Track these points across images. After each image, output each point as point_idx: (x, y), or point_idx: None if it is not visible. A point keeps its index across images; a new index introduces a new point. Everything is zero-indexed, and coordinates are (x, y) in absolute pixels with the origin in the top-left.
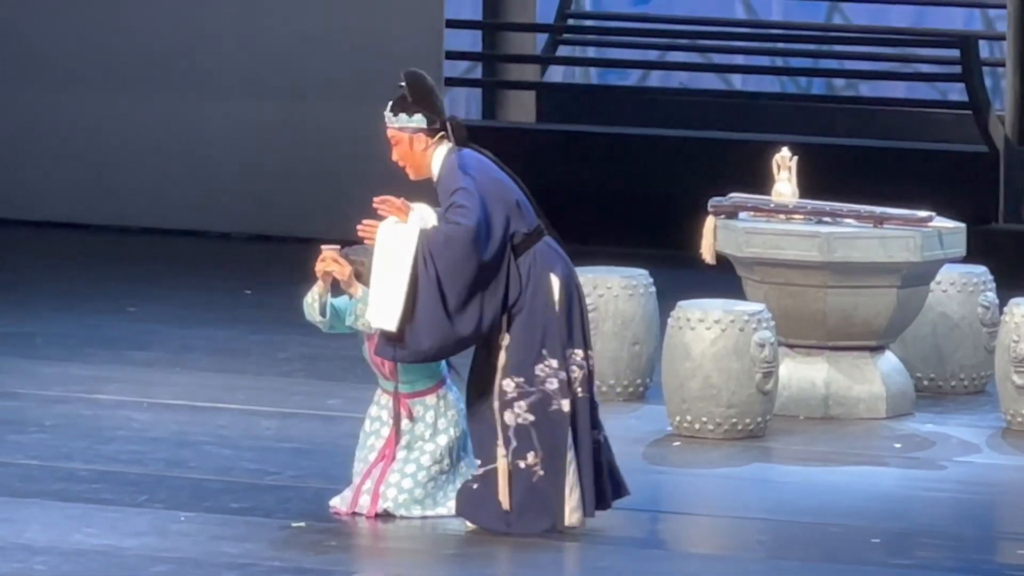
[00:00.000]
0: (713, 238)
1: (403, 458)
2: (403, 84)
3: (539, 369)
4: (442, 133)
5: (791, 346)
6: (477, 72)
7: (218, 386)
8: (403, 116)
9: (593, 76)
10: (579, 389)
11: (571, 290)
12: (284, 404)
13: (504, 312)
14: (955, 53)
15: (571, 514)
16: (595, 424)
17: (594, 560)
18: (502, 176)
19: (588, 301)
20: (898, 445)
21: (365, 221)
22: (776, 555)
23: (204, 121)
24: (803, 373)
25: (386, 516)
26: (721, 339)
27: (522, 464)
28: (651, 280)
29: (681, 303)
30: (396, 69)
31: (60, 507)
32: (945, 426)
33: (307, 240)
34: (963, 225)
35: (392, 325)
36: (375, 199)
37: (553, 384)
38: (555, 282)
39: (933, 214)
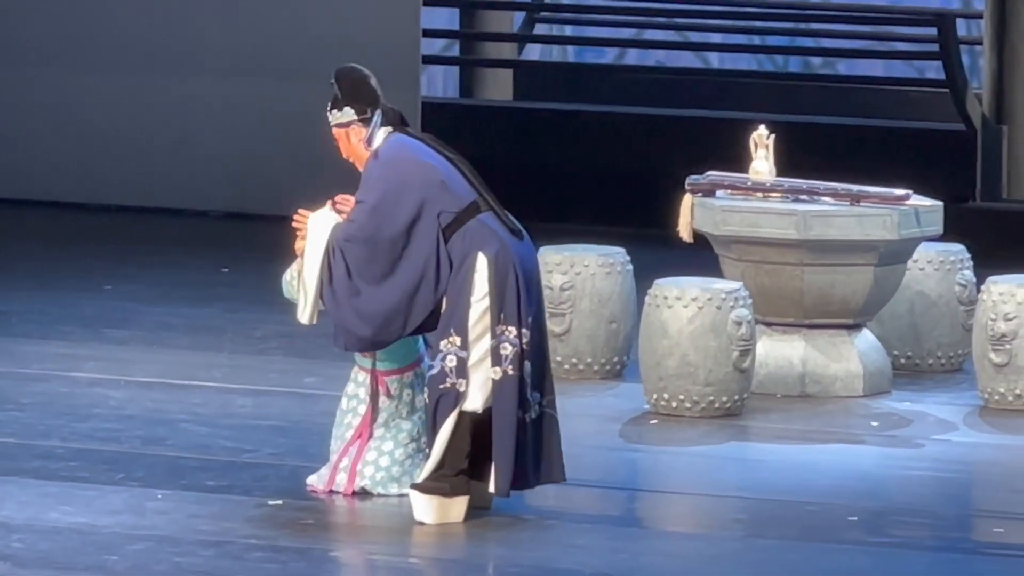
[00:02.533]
0: (690, 216)
1: (380, 436)
2: (333, 81)
3: (443, 344)
4: (376, 122)
5: (768, 324)
6: (454, 50)
7: (195, 364)
8: (336, 112)
9: (570, 54)
10: (509, 367)
11: (506, 267)
12: (261, 382)
13: (437, 293)
14: (932, 31)
15: (432, 494)
16: (522, 404)
17: (570, 538)
18: (430, 158)
19: (565, 279)
20: (875, 423)
21: (300, 211)
22: (753, 533)
23: (182, 100)
24: (780, 351)
25: (363, 494)
26: (698, 317)
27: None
28: (628, 258)
29: (658, 281)
30: (375, 47)
31: (36, 485)
32: (922, 404)
33: (284, 218)
34: (940, 203)
35: (305, 318)
36: (337, 198)
37: (451, 361)
38: (481, 261)
39: (910, 192)
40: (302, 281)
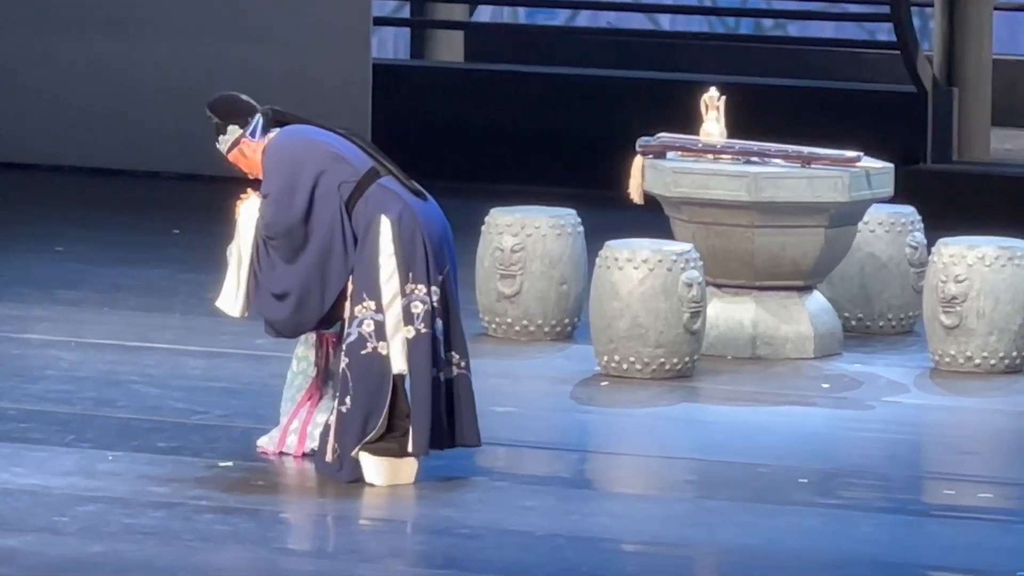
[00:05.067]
0: (641, 178)
1: (330, 397)
2: (209, 115)
3: (357, 310)
4: (257, 124)
5: (719, 286)
6: (405, 11)
7: (146, 325)
8: (223, 138)
9: (521, 15)
10: (421, 325)
11: (411, 227)
12: (212, 344)
13: (347, 263)
14: None
15: (381, 460)
16: (436, 362)
17: (520, 499)
18: (320, 135)
19: (515, 240)
20: (826, 385)
21: (243, 196)
22: (703, 495)
23: (133, 60)
24: (731, 313)
25: (313, 456)
26: (649, 279)
27: (343, 409)
28: (579, 220)
29: (609, 243)
30: (326, 10)
31: None
32: (873, 366)
33: (235, 180)
34: (891, 165)
35: (237, 312)
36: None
37: (368, 326)
38: (384, 223)
39: (861, 154)
40: (235, 272)
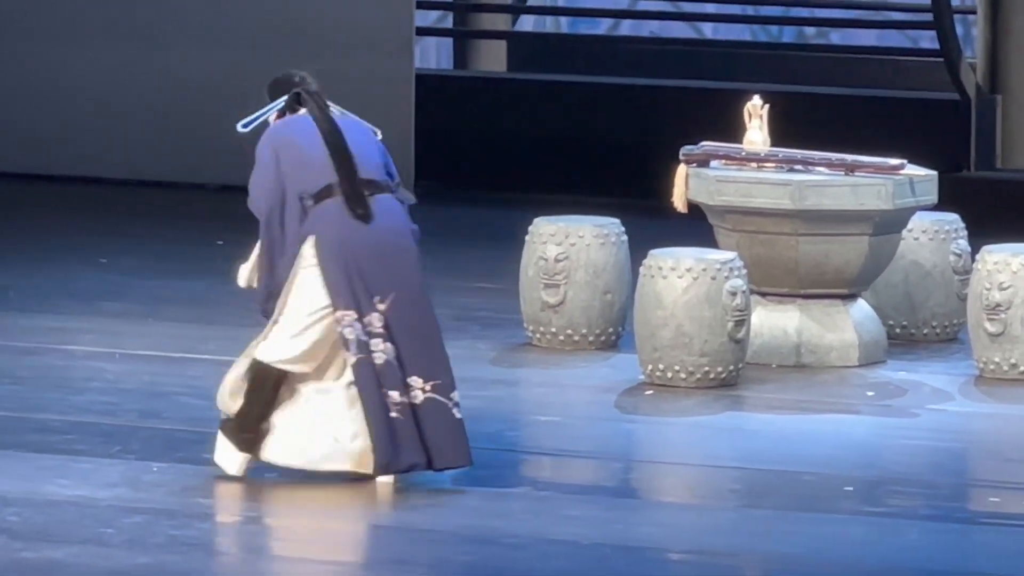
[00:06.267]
0: (685, 187)
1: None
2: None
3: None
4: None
5: (763, 294)
6: (448, 22)
7: (190, 337)
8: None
9: (564, 25)
10: (359, 352)
11: (334, 254)
12: None
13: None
14: (926, 1)
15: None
16: (387, 385)
17: (565, 509)
18: (299, 139)
19: (559, 249)
20: (871, 393)
21: None
22: (749, 504)
23: (175, 71)
24: (775, 321)
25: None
26: (693, 288)
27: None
28: (623, 229)
29: (653, 252)
30: (369, 20)
31: (33, 458)
32: (918, 374)
33: None
34: (934, 173)
35: (242, 281)
36: None
37: (350, 333)
38: (307, 245)
39: (904, 162)
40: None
